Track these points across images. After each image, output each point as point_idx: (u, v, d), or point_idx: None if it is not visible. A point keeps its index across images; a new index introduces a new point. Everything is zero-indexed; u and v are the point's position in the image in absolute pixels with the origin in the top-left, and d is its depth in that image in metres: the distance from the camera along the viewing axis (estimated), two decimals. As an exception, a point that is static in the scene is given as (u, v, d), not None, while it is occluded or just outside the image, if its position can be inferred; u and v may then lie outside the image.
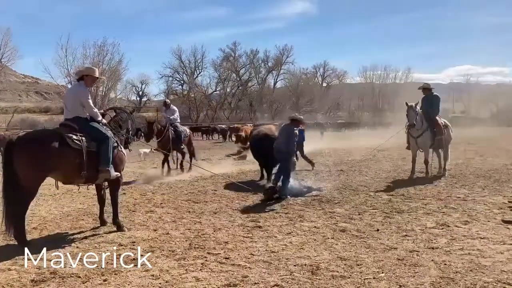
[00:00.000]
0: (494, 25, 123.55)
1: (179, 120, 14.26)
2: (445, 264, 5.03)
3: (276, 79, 78.13)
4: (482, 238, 6.04)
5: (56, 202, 9.12)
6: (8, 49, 54.67)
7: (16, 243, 5.90)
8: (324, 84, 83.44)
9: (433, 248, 5.64)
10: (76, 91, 6.78)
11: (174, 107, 14.49)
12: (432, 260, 5.18)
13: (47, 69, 64.44)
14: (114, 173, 6.74)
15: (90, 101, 6.76)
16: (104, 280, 4.67)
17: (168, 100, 16.09)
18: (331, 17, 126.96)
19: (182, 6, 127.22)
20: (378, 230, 6.59)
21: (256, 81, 76.28)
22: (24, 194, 5.98)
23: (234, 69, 73.19)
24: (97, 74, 6.99)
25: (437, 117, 11.72)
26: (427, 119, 11.53)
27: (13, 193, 5.92)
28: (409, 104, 11.39)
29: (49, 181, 7.48)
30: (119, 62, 58.57)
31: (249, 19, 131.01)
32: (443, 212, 7.60)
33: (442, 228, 6.60)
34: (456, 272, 4.79)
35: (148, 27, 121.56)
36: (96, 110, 6.83)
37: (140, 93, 78.63)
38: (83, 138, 6.43)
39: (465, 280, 4.56)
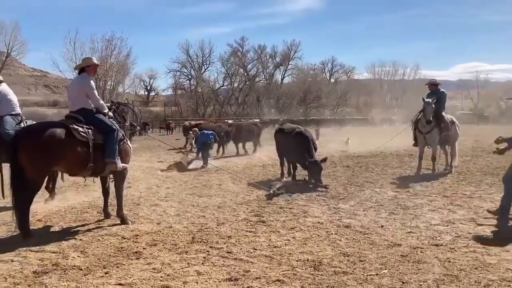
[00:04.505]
0: (501, 22, 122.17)
1: (16, 111, 7.89)
2: (449, 262, 4.97)
3: (284, 74, 78.07)
4: (488, 236, 5.97)
5: (62, 195, 9.15)
6: (17, 42, 55.10)
7: (20, 234, 5.92)
8: (332, 80, 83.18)
9: (437, 245, 5.57)
10: (80, 82, 6.76)
11: (7, 90, 7.91)
12: (436, 257, 5.12)
13: (55, 62, 65.09)
14: (121, 165, 6.74)
15: (96, 92, 6.76)
16: (106, 273, 4.67)
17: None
18: (339, 12, 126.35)
19: (191, 0, 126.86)
20: (382, 226, 6.54)
21: (263, 76, 76.28)
22: (29, 186, 5.98)
23: (242, 64, 73.14)
24: (95, 61, 7.01)
25: (443, 113, 11.62)
26: (434, 116, 11.42)
27: (19, 185, 5.94)
28: (426, 100, 11.26)
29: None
30: (127, 56, 58.85)
31: (256, 14, 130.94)
32: (449, 209, 7.53)
33: (447, 225, 6.53)
34: (461, 269, 4.73)
35: (156, 22, 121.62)
36: (102, 101, 6.83)
37: (148, 87, 78.86)
38: (90, 130, 6.43)
39: (469, 278, 4.50)
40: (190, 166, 13.71)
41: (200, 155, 14.66)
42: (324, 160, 10.21)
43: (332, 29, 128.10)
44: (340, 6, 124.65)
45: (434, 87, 11.82)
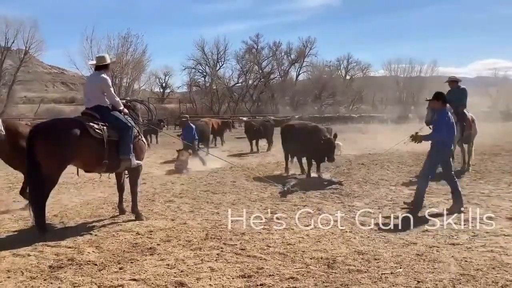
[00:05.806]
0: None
1: None
2: (466, 261, 4.88)
3: (299, 71, 77.67)
4: (506, 235, 5.85)
5: (78, 191, 9.26)
6: (35, 40, 55.83)
7: (36, 229, 5.99)
8: (348, 77, 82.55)
9: (454, 244, 5.49)
10: (96, 79, 6.78)
11: None
12: (453, 256, 5.05)
13: (72, 59, 65.82)
14: (135, 162, 6.78)
15: (112, 89, 6.79)
16: (120, 268, 4.70)
17: None
18: (354, 9, 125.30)
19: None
20: (397, 224, 6.46)
21: (278, 74, 75.98)
22: (45, 182, 6.05)
23: (257, 61, 72.96)
24: (109, 60, 7.03)
25: (465, 111, 11.36)
26: (455, 113, 11.18)
27: (35, 180, 6.01)
28: (428, 100, 11.05)
29: (72, 169, 7.60)
30: (143, 53, 59.35)
31: (271, 11, 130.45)
32: (466, 208, 7.39)
33: (464, 224, 6.42)
34: (477, 269, 4.65)
35: (172, 19, 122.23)
36: (118, 99, 6.86)
37: (164, 84, 79.23)
38: (105, 127, 6.47)
39: (487, 277, 4.42)
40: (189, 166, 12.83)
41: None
42: (335, 136, 10.59)
43: (348, 26, 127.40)
44: (356, 3, 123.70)
45: (454, 84, 11.56)
